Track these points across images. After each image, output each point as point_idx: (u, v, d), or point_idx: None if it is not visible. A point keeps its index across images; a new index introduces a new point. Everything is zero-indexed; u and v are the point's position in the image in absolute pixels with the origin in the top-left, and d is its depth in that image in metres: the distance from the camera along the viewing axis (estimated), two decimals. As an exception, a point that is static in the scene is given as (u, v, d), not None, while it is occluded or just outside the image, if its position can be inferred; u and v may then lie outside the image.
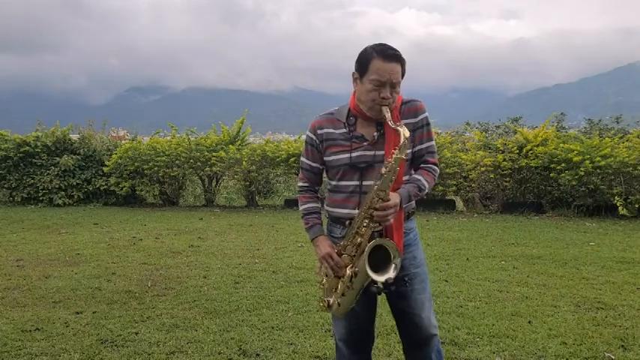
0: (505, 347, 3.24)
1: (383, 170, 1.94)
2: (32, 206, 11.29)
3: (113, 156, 11.34)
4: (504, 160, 9.60)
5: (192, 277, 5.01)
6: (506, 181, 9.78)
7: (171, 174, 11.15)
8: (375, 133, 2.06)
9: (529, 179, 9.86)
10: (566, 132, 11.46)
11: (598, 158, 8.79)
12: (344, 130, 2.11)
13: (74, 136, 12.32)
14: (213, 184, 11.84)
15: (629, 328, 3.55)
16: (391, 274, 1.97)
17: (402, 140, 1.93)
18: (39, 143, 11.72)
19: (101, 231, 7.85)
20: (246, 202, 11.54)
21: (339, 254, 2.07)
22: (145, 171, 11.08)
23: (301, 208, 2.25)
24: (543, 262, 5.52)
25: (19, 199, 11.65)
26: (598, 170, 8.86)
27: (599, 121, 12.64)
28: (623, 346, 3.25)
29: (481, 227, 8.01)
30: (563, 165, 9.08)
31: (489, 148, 10.06)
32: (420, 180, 2.10)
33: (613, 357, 3.08)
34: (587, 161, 8.77)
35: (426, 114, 2.16)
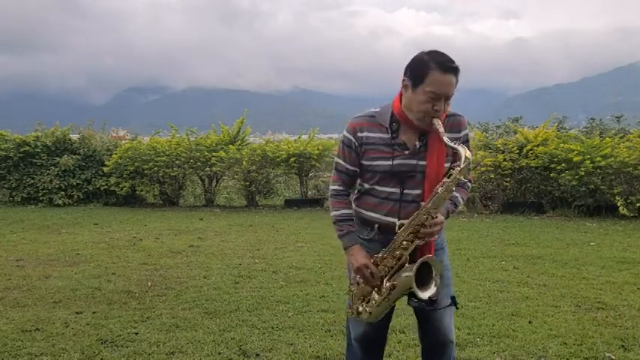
0: (505, 347, 3.24)
1: (439, 190, 1.89)
2: (32, 206, 11.29)
3: (113, 156, 11.34)
4: (505, 160, 9.59)
5: (192, 277, 5.00)
6: (506, 181, 9.78)
7: (172, 174, 11.15)
8: (418, 143, 2.00)
9: (529, 179, 9.85)
10: (567, 132, 11.45)
11: (598, 158, 8.78)
12: (386, 136, 2.02)
13: (74, 136, 12.32)
14: (213, 184, 11.83)
15: (629, 328, 3.54)
16: (433, 290, 1.94)
17: (462, 162, 1.88)
18: (39, 143, 11.72)
19: (101, 231, 7.85)
20: (246, 202, 11.53)
21: (375, 265, 2.00)
22: (145, 171, 11.08)
23: (334, 213, 2.12)
24: (544, 262, 5.51)
25: (19, 199, 11.64)
26: (598, 170, 8.85)
27: (600, 120, 12.59)
28: (623, 346, 3.25)
29: (481, 227, 8.01)
30: (563, 165, 9.07)
31: (489, 148, 10.05)
32: (457, 198, 2.08)
33: (613, 357, 3.08)
34: (588, 161, 8.76)
35: (468, 130, 2.13)
